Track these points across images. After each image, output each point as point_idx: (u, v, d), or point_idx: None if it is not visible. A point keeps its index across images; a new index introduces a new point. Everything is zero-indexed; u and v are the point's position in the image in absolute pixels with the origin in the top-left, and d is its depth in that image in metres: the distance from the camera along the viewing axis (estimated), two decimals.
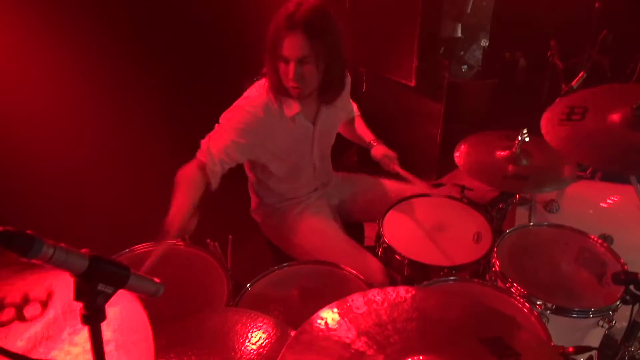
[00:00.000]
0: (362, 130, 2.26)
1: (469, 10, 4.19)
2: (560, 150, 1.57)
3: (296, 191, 2.09)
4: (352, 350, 0.98)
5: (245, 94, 1.85)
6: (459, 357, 1.00)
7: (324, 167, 2.14)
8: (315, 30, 1.63)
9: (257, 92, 1.82)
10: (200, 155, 1.76)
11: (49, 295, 1.09)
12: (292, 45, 1.64)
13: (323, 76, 1.75)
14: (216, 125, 1.80)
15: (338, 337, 1.01)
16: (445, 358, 0.98)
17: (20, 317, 1.06)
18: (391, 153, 2.14)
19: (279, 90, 1.77)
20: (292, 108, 1.82)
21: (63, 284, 1.09)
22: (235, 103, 1.81)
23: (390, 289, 1.12)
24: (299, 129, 1.90)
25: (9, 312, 1.06)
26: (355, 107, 2.30)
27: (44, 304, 1.08)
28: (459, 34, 4.13)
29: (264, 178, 2.03)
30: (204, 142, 1.78)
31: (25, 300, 1.08)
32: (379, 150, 2.15)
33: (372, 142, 2.20)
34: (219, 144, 1.75)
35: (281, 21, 1.63)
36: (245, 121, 1.76)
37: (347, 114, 2.23)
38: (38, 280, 1.12)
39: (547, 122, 1.65)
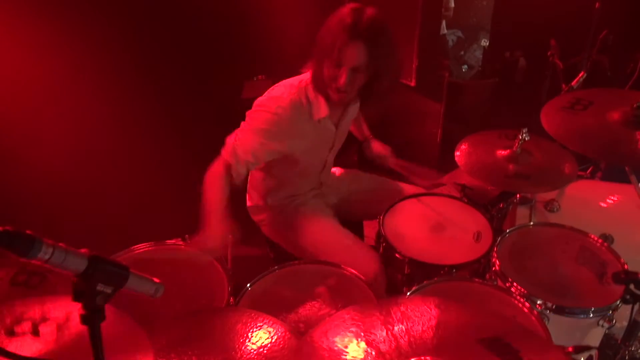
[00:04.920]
0: (361, 123, 2.28)
1: (452, 5, 4.19)
2: (556, 137, 1.63)
3: (298, 189, 2.08)
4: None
5: (273, 92, 1.82)
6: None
7: (330, 165, 2.15)
8: (377, 41, 1.63)
9: (286, 91, 1.79)
10: (225, 154, 1.76)
11: (67, 319, 1.12)
12: (352, 54, 1.63)
13: (369, 85, 1.75)
14: (242, 124, 1.79)
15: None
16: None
17: (35, 332, 1.09)
18: (384, 152, 2.18)
19: (320, 90, 1.77)
20: (321, 111, 1.81)
21: None
22: (262, 101, 1.79)
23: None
24: (322, 131, 1.90)
25: (25, 325, 1.09)
26: None
27: (60, 327, 1.11)
28: (444, 31, 4.14)
29: (271, 175, 2.02)
30: (229, 141, 1.78)
31: (43, 319, 1.11)
32: (372, 147, 2.20)
33: (368, 137, 2.24)
34: (246, 145, 1.75)
35: (342, 28, 1.61)
36: (272, 123, 1.75)
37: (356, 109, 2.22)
38: (60, 304, 1.16)
39: (550, 108, 1.69)
